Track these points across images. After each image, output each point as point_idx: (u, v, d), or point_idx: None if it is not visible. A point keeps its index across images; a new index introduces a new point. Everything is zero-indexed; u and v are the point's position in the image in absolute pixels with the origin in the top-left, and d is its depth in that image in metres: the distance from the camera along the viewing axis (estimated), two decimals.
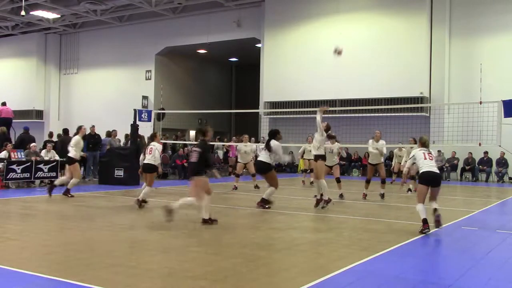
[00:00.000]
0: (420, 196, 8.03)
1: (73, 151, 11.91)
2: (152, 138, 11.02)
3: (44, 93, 31.40)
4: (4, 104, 18.10)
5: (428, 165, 8.00)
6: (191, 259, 5.86)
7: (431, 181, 7.95)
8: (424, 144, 8.39)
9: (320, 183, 10.50)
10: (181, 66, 30.02)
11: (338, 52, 11.31)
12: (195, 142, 9.10)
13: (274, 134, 10.63)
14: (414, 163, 8.32)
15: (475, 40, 20.78)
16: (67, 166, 12.21)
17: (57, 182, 12.24)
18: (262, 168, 10.53)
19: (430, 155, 8.18)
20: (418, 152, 8.24)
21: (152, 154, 10.50)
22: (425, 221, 7.78)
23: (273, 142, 10.37)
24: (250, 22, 25.41)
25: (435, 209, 7.87)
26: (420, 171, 8.12)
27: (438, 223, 7.82)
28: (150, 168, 10.54)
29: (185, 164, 18.26)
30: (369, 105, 20.26)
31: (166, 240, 6.98)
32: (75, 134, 12.39)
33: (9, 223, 8.34)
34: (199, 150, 8.16)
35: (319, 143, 10.54)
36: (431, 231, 7.73)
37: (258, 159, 10.97)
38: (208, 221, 8.16)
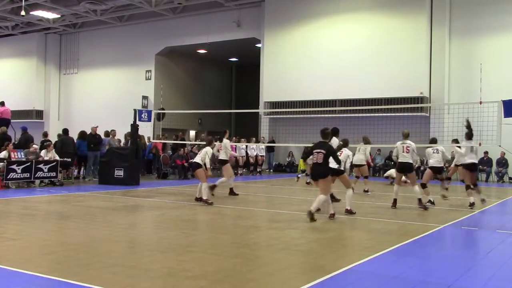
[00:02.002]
0: (397, 179, 11.03)
1: (223, 154, 12.98)
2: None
3: (44, 93, 31.40)
4: (3, 104, 18.06)
5: (403, 156, 10.56)
6: (191, 259, 5.86)
7: (404, 169, 10.66)
8: (406, 136, 10.81)
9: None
10: (181, 66, 29.99)
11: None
12: (196, 143, 9.30)
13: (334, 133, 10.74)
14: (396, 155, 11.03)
15: (475, 40, 20.76)
16: (222, 167, 13.32)
17: (217, 182, 12.67)
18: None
19: (407, 148, 10.52)
20: (399, 145, 10.71)
21: None
22: (394, 201, 10.67)
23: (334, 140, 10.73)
24: (250, 22, 25.40)
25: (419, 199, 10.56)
26: (398, 161, 10.81)
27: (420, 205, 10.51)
28: None
29: (185, 164, 18.22)
30: (369, 105, 20.23)
31: (166, 240, 6.97)
32: (222, 137, 13.43)
33: (9, 223, 8.33)
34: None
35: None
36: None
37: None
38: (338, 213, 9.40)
